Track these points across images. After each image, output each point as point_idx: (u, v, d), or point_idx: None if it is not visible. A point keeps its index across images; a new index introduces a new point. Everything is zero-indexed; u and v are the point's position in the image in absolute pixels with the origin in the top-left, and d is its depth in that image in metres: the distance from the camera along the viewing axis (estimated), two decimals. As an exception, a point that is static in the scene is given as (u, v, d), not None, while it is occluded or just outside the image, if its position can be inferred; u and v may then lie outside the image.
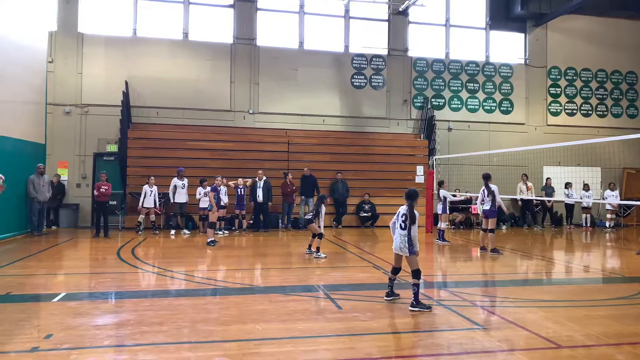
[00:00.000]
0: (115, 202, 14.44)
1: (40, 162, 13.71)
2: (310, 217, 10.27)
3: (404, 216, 6.15)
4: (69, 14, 16.38)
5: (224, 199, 13.82)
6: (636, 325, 5.50)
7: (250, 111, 17.76)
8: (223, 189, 13.68)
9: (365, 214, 16.91)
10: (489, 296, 7.22)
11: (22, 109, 13.42)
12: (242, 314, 5.74)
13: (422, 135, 18.80)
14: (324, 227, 10.59)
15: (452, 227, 16.83)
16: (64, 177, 15.93)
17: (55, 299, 6.36)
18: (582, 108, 20.61)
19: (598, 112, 20.71)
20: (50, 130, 15.42)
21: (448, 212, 13.31)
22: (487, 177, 11.20)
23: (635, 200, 16.92)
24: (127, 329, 5.09)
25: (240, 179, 14.70)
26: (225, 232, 14.43)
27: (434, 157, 16.74)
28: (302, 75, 18.13)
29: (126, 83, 16.29)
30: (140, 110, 16.75)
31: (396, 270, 6.38)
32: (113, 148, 16.35)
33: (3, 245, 11.36)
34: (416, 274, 6.04)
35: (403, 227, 6.14)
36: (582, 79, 20.64)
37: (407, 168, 17.84)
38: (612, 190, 17.42)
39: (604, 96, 20.79)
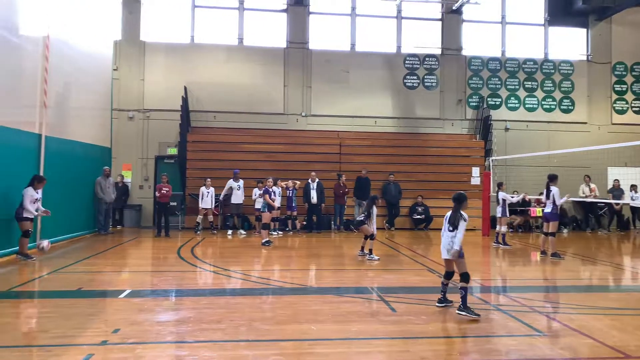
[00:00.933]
0: (175, 203, 14.98)
1: (106, 165, 14.47)
2: (362, 218, 10.26)
3: (450, 219, 6.07)
4: (132, 23, 17.20)
5: (278, 200, 14.04)
6: None
7: (303, 114, 17.98)
8: (277, 190, 13.92)
9: (418, 217, 16.70)
10: (550, 302, 6.98)
11: (90, 115, 14.24)
12: (297, 313, 5.84)
13: (477, 136, 18.36)
14: (377, 228, 10.55)
15: (510, 230, 16.32)
16: (127, 179, 16.72)
17: (121, 295, 6.71)
18: (651, 105, 19.45)
19: (669, 109, 19.48)
20: (115, 134, 16.23)
21: (508, 215, 12.93)
22: (551, 178, 10.76)
23: None
24: (188, 326, 5.29)
25: (290, 181, 14.93)
26: (280, 232, 14.68)
27: (491, 158, 16.32)
28: (353, 77, 18.16)
29: (185, 88, 16.90)
30: (198, 114, 17.34)
31: (449, 275, 6.26)
32: (173, 151, 17.03)
33: (73, 244, 12.07)
34: (465, 277, 5.90)
35: (451, 229, 6.04)
36: (652, 74, 19.49)
37: (462, 169, 17.47)
38: (686, 192, 16.31)
39: (676, 92, 19.53)
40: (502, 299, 7.08)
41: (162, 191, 13.69)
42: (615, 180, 17.50)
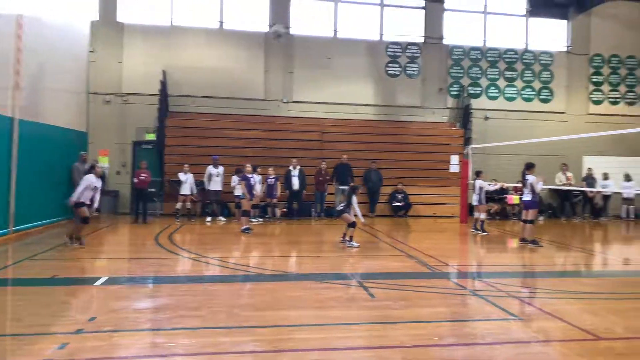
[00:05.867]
0: (153, 189, 14.76)
1: (82, 150, 14.15)
2: (343, 207, 10.30)
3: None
4: (109, 3, 16.67)
5: (257, 188, 13.92)
6: (681, 321, 5.32)
7: (284, 100, 17.84)
8: (257, 178, 13.82)
9: (398, 204, 16.81)
10: (526, 287, 7.11)
11: (66, 98, 13.87)
12: (277, 300, 5.83)
13: (457, 125, 18.49)
14: (363, 216, 10.60)
15: (488, 217, 16.53)
16: (104, 164, 16.31)
17: (97, 283, 6.59)
18: (626, 96, 19.80)
19: (644, 101, 19.85)
20: (91, 119, 15.86)
21: (485, 203, 13.08)
22: (527, 167, 10.87)
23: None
24: (166, 313, 5.24)
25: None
26: (260, 220, 14.62)
27: (470, 147, 16.46)
28: (336, 64, 18.04)
29: (164, 72, 16.56)
30: (177, 99, 17.02)
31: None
32: (151, 136, 16.72)
33: (48, 230, 11.83)
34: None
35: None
36: (627, 66, 19.79)
37: (441, 157, 17.55)
38: (658, 181, 16.72)
39: (650, 84, 19.91)
40: (479, 284, 7.18)
41: (141, 177, 13.47)
42: (589, 168, 17.88)
